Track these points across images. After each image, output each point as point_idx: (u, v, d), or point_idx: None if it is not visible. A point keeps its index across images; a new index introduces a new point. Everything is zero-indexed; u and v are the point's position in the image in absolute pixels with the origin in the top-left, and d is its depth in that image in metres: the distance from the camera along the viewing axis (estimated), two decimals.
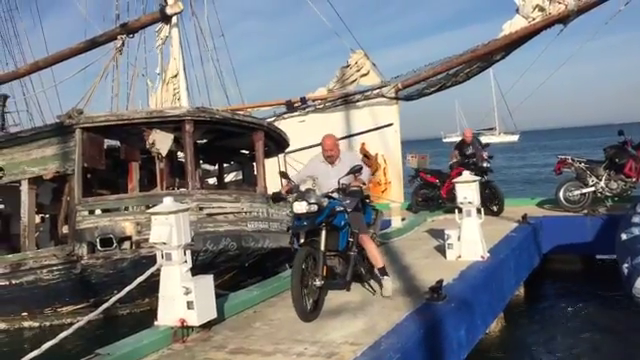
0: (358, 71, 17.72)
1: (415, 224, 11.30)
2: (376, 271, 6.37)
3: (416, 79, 15.77)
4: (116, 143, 10.95)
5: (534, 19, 14.52)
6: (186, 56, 18.02)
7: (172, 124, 9.78)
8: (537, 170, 35.84)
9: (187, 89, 18.31)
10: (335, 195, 5.91)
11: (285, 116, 16.84)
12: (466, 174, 8.15)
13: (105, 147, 10.09)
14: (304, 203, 5.52)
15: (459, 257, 7.72)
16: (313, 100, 17.46)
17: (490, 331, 7.35)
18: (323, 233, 5.65)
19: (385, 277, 6.31)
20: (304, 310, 5.41)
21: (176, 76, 18.13)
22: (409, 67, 18.53)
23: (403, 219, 11.29)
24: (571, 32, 14.36)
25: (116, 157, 10.57)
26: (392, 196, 15.61)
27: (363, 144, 16.83)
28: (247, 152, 12.61)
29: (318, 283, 5.55)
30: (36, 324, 9.43)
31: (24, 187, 9.46)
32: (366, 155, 16.96)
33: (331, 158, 6.28)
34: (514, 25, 14.80)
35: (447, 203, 12.50)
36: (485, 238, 7.90)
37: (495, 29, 15.13)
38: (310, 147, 15.57)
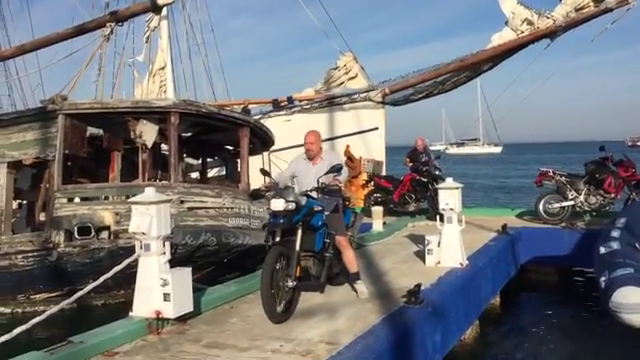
0: (346, 74, 17.76)
1: (396, 229, 11.34)
2: (350, 275, 6.35)
3: (404, 85, 15.86)
4: (98, 131, 10.83)
5: (522, 32, 14.69)
6: (174, 49, 17.94)
7: (157, 115, 9.71)
8: (517, 181, 36.20)
9: (174, 82, 18.21)
10: (314, 194, 5.82)
11: (271, 115, 16.81)
12: (449, 180, 8.18)
13: (87, 135, 9.98)
14: (282, 200, 5.43)
15: (438, 263, 7.75)
16: (300, 100, 17.46)
17: (465, 337, 7.38)
18: (299, 232, 5.54)
19: (358, 281, 6.31)
20: (274, 311, 5.28)
21: (163, 68, 18.00)
22: (397, 73, 18.57)
23: (384, 223, 11.31)
24: (558, 47, 14.57)
25: (98, 146, 10.46)
26: None
27: (348, 147, 16.85)
28: (232, 148, 12.55)
29: (290, 284, 5.42)
30: (7, 310, 9.26)
31: (3, 171, 9.31)
32: (350, 158, 17.00)
33: (311, 153, 6.23)
34: (503, 37, 14.96)
35: (398, 208, 12.96)
36: (464, 246, 7.94)
37: (484, 40, 15.30)
38: (295, 147, 15.57)
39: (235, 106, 17.04)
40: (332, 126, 16.90)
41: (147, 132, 9.90)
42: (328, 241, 5.99)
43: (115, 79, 15.15)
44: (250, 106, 17.73)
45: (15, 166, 9.55)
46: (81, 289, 5.61)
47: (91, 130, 10.48)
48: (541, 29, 14.32)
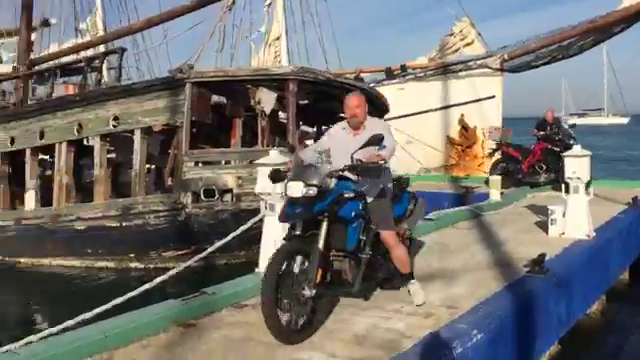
0: (462, 40, 17.27)
1: (514, 199, 10.98)
2: (402, 277, 4.98)
3: (525, 50, 15.15)
4: (220, 99, 11.29)
5: None
6: (289, 20, 18.26)
7: (276, 83, 9.96)
8: None
9: (288, 52, 18.59)
10: (350, 175, 4.48)
11: (384, 83, 16.69)
12: (577, 148, 7.78)
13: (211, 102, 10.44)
14: (300, 184, 4.14)
15: (562, 234, 7.44)
16: (413, 68, 17.19)
17: (590, 312, 7.07)
18: (324, 226, 4.21)
19: (412, 282, 4.98)
20: (278, 327, 4.02)
21: (278, 39, 18.41)
22: (514, 39, 17.59)
23: (502, 193, 10.98)
24: None
25: (220, 113, 10.91)
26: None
27: (462, 115, 16.45)
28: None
29: (307, 293, 4.12)
30: (141, 265, 10.05)
31: (137, 136, 9.99)
32: (464, 127, 16.60)
33: (356, 120, 4.69)
34: None
35: (526, 178, 12.58)
36: (591, 217, 7.55)
37: (612, 3, 14.22)
38: (407, 115, 15.43)
39: (348, 75, 17.11)
40: (446, 94, 16.53)
41: (266, 99, 10.20)
42: (364, 238, 4.57)
43: (233, 50, 15.73)
44: (363, 75, 17.72)
45: (147, 132, 10.22)
46: (206, 248, 5.95)
47: (214, 98, 10.95)
48: None
